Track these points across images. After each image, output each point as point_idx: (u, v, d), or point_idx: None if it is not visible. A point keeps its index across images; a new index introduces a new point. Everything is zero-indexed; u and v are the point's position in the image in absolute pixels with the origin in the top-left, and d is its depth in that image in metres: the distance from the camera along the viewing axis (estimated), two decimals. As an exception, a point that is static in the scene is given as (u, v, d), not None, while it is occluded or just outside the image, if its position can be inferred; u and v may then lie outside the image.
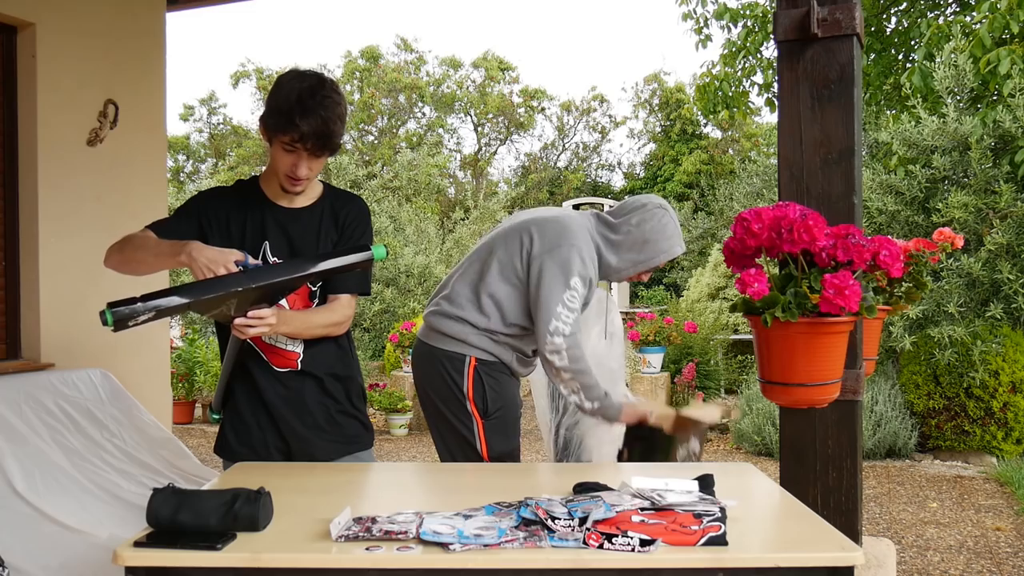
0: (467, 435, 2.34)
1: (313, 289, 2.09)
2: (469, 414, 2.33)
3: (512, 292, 2.32)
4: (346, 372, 2.19)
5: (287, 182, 2.01)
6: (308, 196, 2.11)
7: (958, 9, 7.56)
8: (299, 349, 2.10)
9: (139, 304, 1.73)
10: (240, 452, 2.14)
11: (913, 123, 5.96)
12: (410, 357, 8.31)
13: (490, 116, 20.09)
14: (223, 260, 1.83)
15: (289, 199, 2.09)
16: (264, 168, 2.15)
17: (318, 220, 2.10)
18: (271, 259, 2.06)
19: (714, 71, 8.34)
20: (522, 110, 20.15)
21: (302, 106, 1.88)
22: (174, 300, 1.77)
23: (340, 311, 2.11)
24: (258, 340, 2.04)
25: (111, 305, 1.72)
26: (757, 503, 1.72)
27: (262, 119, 1.99)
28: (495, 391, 2.35)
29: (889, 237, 1.68)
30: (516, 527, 1.39)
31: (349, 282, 2.10)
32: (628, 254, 2.36)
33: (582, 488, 1.61)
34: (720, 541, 1.34)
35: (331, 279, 2.08)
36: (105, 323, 1.71)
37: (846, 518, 2.08)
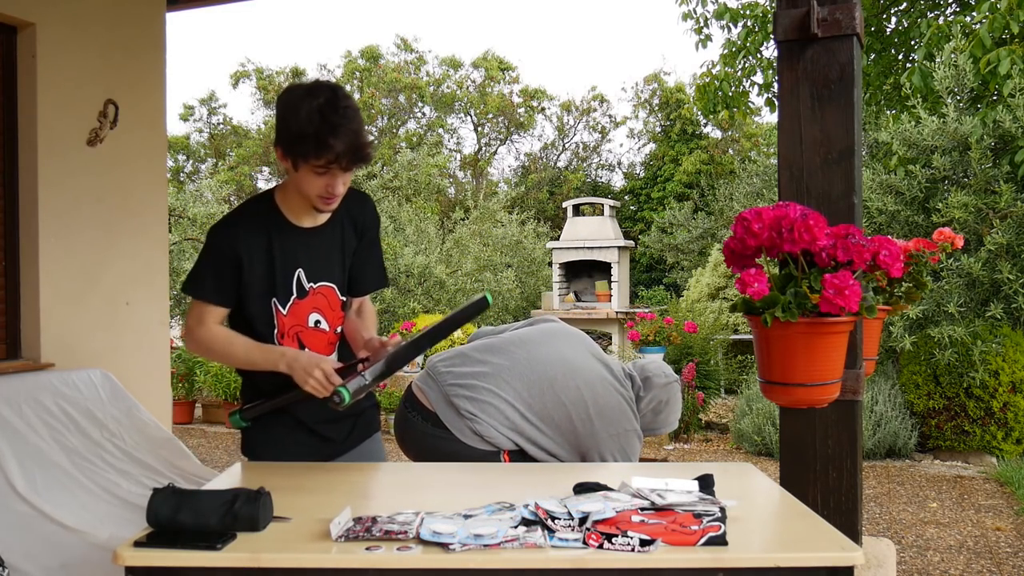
0: None
1: (344, 299, 2.07)
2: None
3: (557, 442, 2.46)
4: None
5: (322, 203, 1.89)
6: None
7: (958, 9, 7.56)
8: (332, 357, 2.07)
9: (368, 379, 1.85)
10: (265, 451, 2.11)
11: (913, 123, 5.96)
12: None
13: (490, 116, 20.07)
14: (316, 364, 1.84)
15: (313, 218, 1.98)
16: (278, 187, 2.03)
17: (340, 232, 2.03)
18: (307, 285, 1.98)
19: (714, 71, 8.33)
20: (522, 110, 20.12)
21: (329, 125, 1.75)
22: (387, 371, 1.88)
23: (371, 307, 2.18)
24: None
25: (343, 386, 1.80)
26: (757, 503, 1.72)
27: (281, 145, 1.84)
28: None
29: (889, 237, 1.68)
30: (516, 527, 1.39)
31: (371, 281, 2.14)
32: (643, 424, 2.64)
33: (582, 488, 1.61)
34: (720, 541, 1.34)
35: (358, 280, 2.10)
36: (341, 401, 1.78)
37: (846, 518, 2.07)
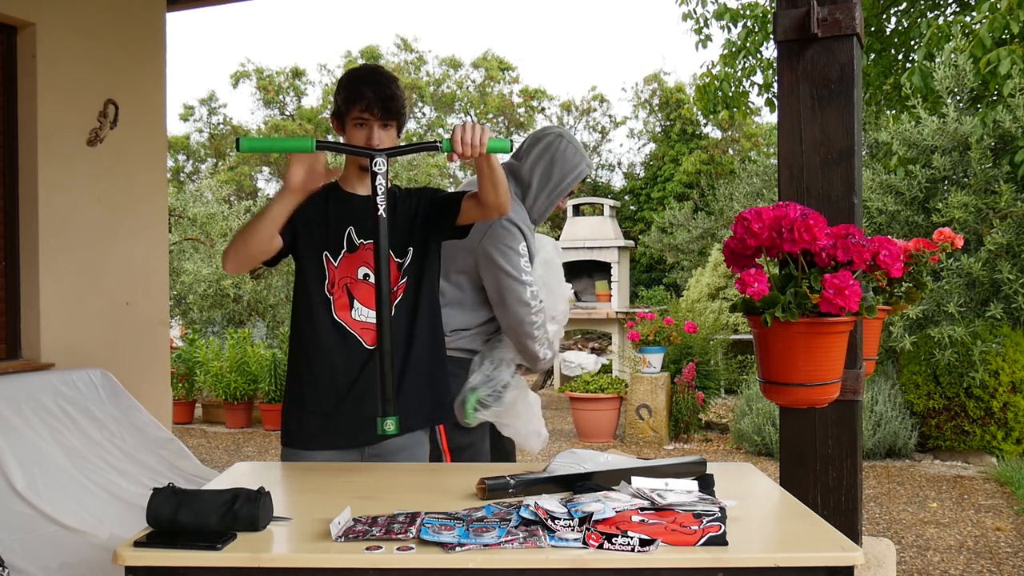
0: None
1: (400, 262, 2.11)
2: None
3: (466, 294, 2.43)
4: (419, 342, 2.16)
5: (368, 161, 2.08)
6: None
7: (958, 9, 7.56)
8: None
9: (512, 483, 1.68)
10: (305, 440, 2.11)
11: (913, 123, 5.95)
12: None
13: (490, 116, 20.07)
14: (303, 165, 1.91)
15: (367, 187, 2.11)
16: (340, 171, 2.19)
17: (393, 207, 2.14)
18: (357, 241, 2.11)
19: (714, 71, 8.33)
20: (522, 110, 20.11)
21: (363, 79, 2.07)
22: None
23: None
24: (348, 319, 2.07)
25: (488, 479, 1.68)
26: (757, 503, 1.72)
27: (334, 113, 2.12)
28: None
29: (889, 237, 1.68)
30: (516, 527, 1.39)
31: (450, 196, 2.17)
32: (541, 195, 2.47)
33: (582, 488, 1.61)
34: (720, 541, 1.34)
35: (444, 206, 2.14)
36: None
37: (846, 518, 2.08)
